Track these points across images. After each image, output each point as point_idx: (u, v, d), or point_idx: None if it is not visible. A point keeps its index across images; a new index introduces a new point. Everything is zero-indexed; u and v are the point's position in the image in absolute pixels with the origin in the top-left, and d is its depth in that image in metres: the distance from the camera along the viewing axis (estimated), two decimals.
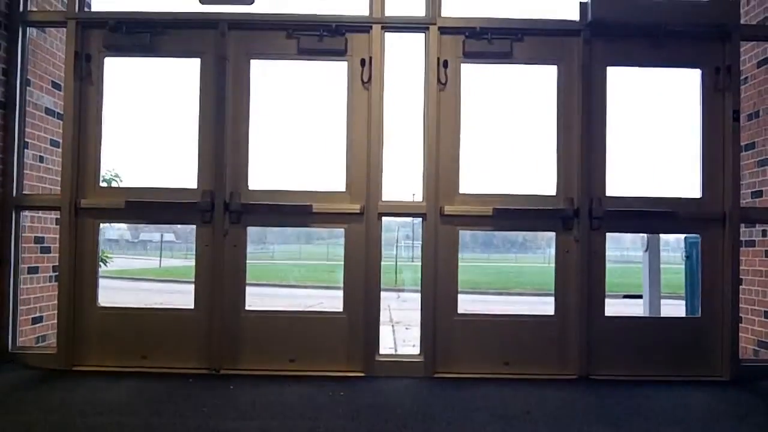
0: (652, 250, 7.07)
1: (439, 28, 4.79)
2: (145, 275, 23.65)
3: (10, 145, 4.79)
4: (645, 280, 7.15)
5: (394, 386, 4.50)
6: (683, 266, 6.37)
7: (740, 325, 4.97)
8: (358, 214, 4.77)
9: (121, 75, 5.04)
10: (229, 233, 4.76)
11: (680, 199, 4.93)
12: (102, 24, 4.81)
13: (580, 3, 4.79)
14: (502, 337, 4.80)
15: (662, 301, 7.06)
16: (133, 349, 4.77)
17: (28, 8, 4.90)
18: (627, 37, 4.83)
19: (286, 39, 4.84)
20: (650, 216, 4.88)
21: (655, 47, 4.86)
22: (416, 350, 4.97)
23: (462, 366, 4.75)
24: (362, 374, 4.71)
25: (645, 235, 7.09)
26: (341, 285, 4.86)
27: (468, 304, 5.15)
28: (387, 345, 5.17)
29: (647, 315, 6.98)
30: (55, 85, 5.26)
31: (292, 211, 4.81)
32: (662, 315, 6.98)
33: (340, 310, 4.84)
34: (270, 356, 4.76)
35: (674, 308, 7.56)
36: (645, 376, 4.69)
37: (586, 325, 4.74)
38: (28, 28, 4.92)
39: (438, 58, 4.78)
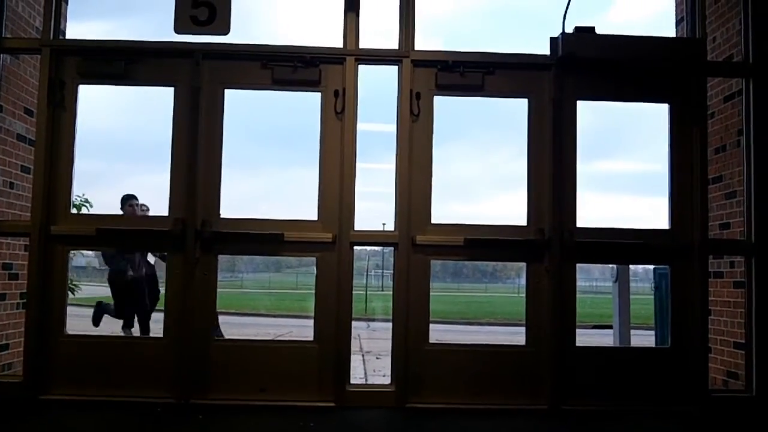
0: (622, 281, 7.13)
1: (412, 60, 4.85)
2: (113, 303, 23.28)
3: None
4: (615, 310, 7.19)
5: (366, 417, 4.48)
6: (653, 297, 6.42)
7: (710, 355, 5.03)
8: (330, 243, 4.77)
9: (96, 102, 5.04)
10: (200, 261, 4.73)
11: (649, 230, 4.98)
12: (76, 51, 4.82)
13: (551, 38, 4.88)
14: (474, 367, 4.79)
15: (632, 332, 7.10)
16: (101, 378, 4.68)
17: (3, 35, 4.89)
18: (596, 72, 4.91)
19: (261, 69, 4.87)
20: (620, 247, 4.93)
21: (624, 82, 4.97)
22: (387, 380, 4.96)
23: (433, 396, 4.73)
24: (333, 404, 4.67)
25: (614, 265, 7.14)
26: (311, 314, 4.84)
27: (439, 334, 5.15)
28: (358, 375, 5.14)
29: (617, 345, 7.01)
30: (28, 112, 5.24)
31: (264, 240, 4.80)
32: (632, 345, 7.01)
33: (311, 339, 4.82)
34: (240, 386, 4.70)
35: (643, 339, 7.60)
36: (616, 406, 4.69)
37: (557, 355, 4.74)
38: (1, 55, 4.91)
39: (411, 90, 4.84)
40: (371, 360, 5.36)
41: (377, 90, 5.18)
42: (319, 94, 4.88)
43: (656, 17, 5.58)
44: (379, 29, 4.99)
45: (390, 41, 4.91)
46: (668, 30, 5.54)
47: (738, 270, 5.15)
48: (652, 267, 6.40)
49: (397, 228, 4.81)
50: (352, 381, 4.87)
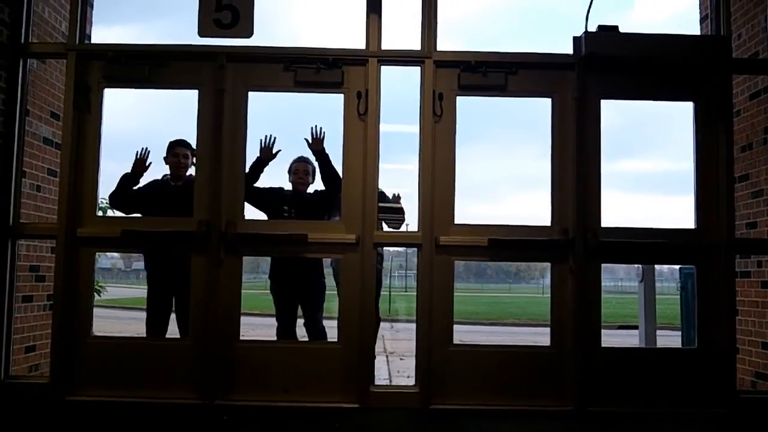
0: (647, 281, 7.06)
1: (435, 61, 4.84)
2: (139, 304, 23.42)
3: (8, 175, 4.80)
4: (640, 310, 7.12)
5: (390, 419, 4.47)
6: (678, 297, 6.36)
7: (737, 356, 4.96)
8: (353, 244, 4.77)
9: (122, 105, 5.09)
10: (224, 263, 4.76)
11: (675, 229, 4.94)
12: (101, 55, 4.87)
13: (574, 37, 4.85)
14: (498, 368, 4.77)
15: (657, 332, 7.03)
16: (127, 379, 4.72)
17: (29, 40, 4.95)
18: (620, 71, 4.88)
19: (284, 71, 4.88)
20: (645, 247, 4.88)
21: (649, 80, 4.92)
22: (411, 381, 4.95)
23: (458, 397, 4.71)
24: (357, 405, 4.66)
25: (640, 265, 7.08)
26: (334, 315, 4.85)
27: (462, 335, 5.13)
28: (382, 376, 5.14)
29: (643, 346, 6.95)
30: (54, 115, 5.31)
31: (288, 241, 4.81)
32: (658, 346, 6.95)
33: (335, 340, 4.82)
34: (264, 387, 4.71)
35: (669, 339, 7.52)
36: (642, 408, 4.66)
37: (582, 356, 4.70)
38: (28, 60, 4.97)
39: (433, 91, 4.82)
40: (395, 361, 5.35)
41: (400, 91, 5.18)
42: (342, 95, 4.88)
43: (680, 15, 5.55)
44: (401, 30, 5.00)
45: (412, 42, 4.91)
46: (692, 28, 5.50)
47: (765, 269, 5.08)
48: (677, 267, 6.35)
49: (421, 229, 4.80)
50: (376, 382, 4.87)
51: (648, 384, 4.74)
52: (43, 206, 5.25)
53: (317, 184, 5.45)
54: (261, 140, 5.18)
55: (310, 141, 5.17)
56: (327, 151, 5.15)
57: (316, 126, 5.15)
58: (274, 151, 5.22)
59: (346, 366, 4.74)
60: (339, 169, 4.93)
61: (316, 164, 5.32)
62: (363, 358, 4.73)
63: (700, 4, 5.56)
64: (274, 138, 5.18)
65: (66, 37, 5.03)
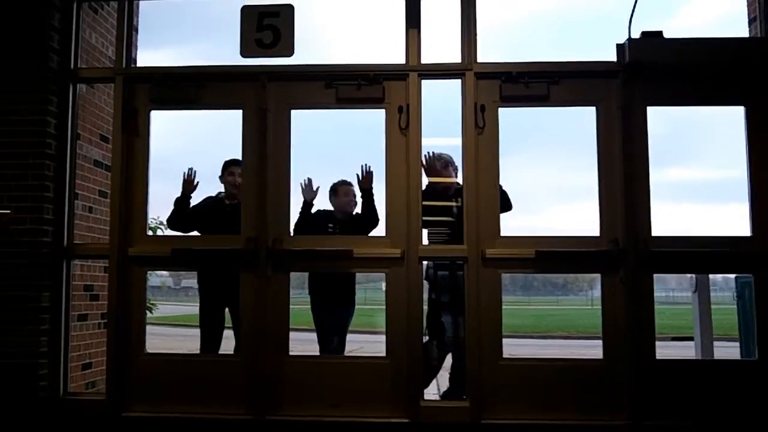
0: (702, 291, 6.86)
1: (475, 73, 4.82)
2: (188, 321, 23.84)
3: (61, 197, 4.93)
4: (695, 321, 6.92)
5: None
6: (735, 307, 6.18)
7: None
8: (398, 259, 4.76)
9: (169, 127, 5.20)
10: (272, 279, 4.80)
11: (729, 237, 4.79)
12: (148, 78, 4.98)
13: (617, 45, 4.77)
14: (549, 382, 4.68)
15: (714, 343, 6.82)
16: (179, 395, 4.79)
17: (78, 65, 5.10)
18: (666, 77, 4.77)
19: (325, 88, 4.92)
20: (699, 256, 4.76)
21: (696, 86, 4.81)
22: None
23: (509, 412, 4.64)
24: (406, 421, 4.64)
25: (693, 275, 6.89)
26: (380, 329, 4.84)
27: (511, 348, 5.06)
28: (431, 390, 5.12)
29: (699, 358, 6.75)
30: (104, 138, 5.46)
31: (334, 256, 4.84)
32: (715, 358, 6.75)
33: (383, 355, 4.81)
34: (313, 402, 4.72)
35: (725, 351, 7.27)
36: (700, 422, 4.52)
37: (636, 369, 4.59)
38: (78, 85, 5.11)
39: (475, 103, 4.80)
40: (444, 375, 5.31)
41: (442, 103, 5.17)
42: (384, 110, 4.89)
43: (727, 18, 5.40)
44: (441, 43, 4.99)
45: (452, 55, 4.90)
46: (740, 30, 5.34)
47: None
48: (732, 276, 6.17)
49: (466, 242, 4.77)
50: (426, 397, 4.84)
51: (705, 397, 4.60)
52: (96, 227, 5.38)
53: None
54: (300, 184, 5.37)
55: (360, 179, 5.30)
56: (374, 191, 5.32)
57: (365, 164, 5.30)
58: (315, 188, 5.44)
59: (395, 381, 4.72)
60: (382, 185, 4.93)
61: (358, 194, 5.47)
62: (411, 372, 4.71)
63: (748, 6, 5.40)
64: (310, 180, 5.43)
65: (113, 62, 5.17)
